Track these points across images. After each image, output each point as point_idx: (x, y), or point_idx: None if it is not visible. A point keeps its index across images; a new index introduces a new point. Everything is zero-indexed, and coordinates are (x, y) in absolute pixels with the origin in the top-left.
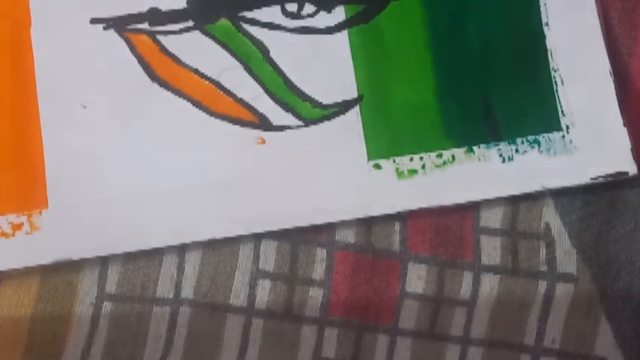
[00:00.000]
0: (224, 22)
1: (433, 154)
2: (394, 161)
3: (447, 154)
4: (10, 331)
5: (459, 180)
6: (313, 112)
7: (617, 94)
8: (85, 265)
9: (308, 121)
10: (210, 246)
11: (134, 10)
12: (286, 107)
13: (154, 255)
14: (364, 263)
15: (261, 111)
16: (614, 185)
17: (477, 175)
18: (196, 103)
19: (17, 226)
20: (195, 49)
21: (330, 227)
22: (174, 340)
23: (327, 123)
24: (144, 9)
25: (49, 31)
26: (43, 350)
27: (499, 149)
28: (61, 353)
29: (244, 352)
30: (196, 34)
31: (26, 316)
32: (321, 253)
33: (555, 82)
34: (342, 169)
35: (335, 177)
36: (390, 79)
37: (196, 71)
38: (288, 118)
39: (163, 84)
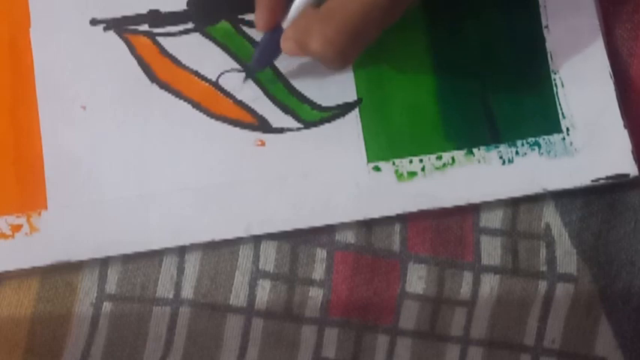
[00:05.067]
0: (224, 24)
1: (433, 157)
2: (394, 163)
3: (446, 156)
4: (9, 332)
5: (458, 182)
6: (312, 115)
7: (617, 96)
8: (85, 266)
9: (307, 124)
10: (211, 246)
11: (134, 12)
12: (285, 109)
13: (154, 255)
14: (364, 263)
15: (260, 113)
16: (614, 186)
17: (477, 177)
18: (196, 105)
19: (16, 228)
20: (195, 50)
21: (330, 228)
22: (175, 340)
23: (326, 125)
24: (144, 11)
25: (48, 32)
26: (42, 350)
27: (499, 151)
28: (61, 353)
29: (244, 352)
30: (196, 35)
31: (26, 317)
32: (321, 253)
33: (555, 84)
34: (342, 172)
35: (334, 179)
36: (389, 82)
37: (196, 73)
38: (288, 121)
39: (163, 85)
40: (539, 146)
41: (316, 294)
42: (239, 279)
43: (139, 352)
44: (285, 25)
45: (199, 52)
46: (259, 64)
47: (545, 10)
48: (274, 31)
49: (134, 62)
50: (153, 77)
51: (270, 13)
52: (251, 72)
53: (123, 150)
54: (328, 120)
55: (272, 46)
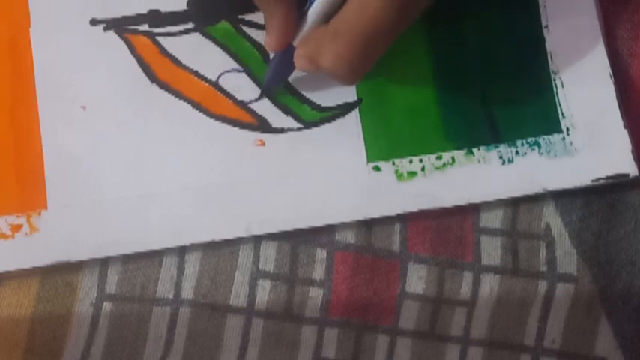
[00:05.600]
0: (224, 24)
1: (433, 157)
2: (394, 163)
3: (446, 156)
4: (9, 332)
5: (458, 182)
6: (312, 115)
7: (617, 96)
8: (85, 265)
9: (307, 124)
10: (211, 246)
11: (134, 12)
12: (285, 109)
13: (154, 255)
14: (364, 263)
15: (260, 113)
16: (614, 186)
17: (476, 177)
18: (196, 105)
19: (16, 228)
20: (195, 51)
21: (330, 228)
22: (174, 340)
23: (326, 125)
24: (144, 11)
25: (48, 32)
26: (42, 350)
27: (499, 151)
28: (61, 353)
29: (244, 352)
30: (196, 35)
31: (26, 317)
32: (321, 253)
33: (555, 84)
34: (342, 172)
35: (334, 179)
36: (389, 82)
37: (196, 73)
38: (288, 121)
39: (163, 85)
40: (539, 146)
41: (316, 294)
42: (239, 279)
43: (139, 352)
44: (296, 42)
45: (199, 52)
46: (273, 82)
47: (545, 10)
48: (286, 49)
49: (134, 62)
50: (153, 77)
51: (282, 35)
52: (265, 91)
53: (123, 150)
54: (328, 120)
55: (284, 64)
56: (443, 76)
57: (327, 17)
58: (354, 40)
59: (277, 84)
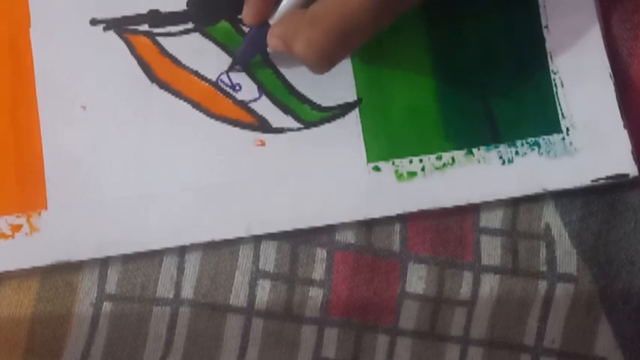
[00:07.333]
0: (224, 24)
1: (433, 157)
2: (394, 163)
3: (446, 156)
4: (9, 332)
5: (458, 182)
6: (312, 115)
7: (617, 96)
8: (85, 265)
9: (307, 124)
10: (211, 246)
11: (134, 12)
12: (285, 109)
13: (154, 255)
14: (364, 263)
15: (260, 113)
16: (614, 186)
17: (476, 177)
18: (196, 105)
19: (16, 228)
20: (195, 50)
21: (330, 227)
22: (174, 340)
23: (326, 125)
24: (144, 11)
25: (48, 32)
26: (42, 350)
27: (499, 151)
28: (61, 353)
29: (244, 352)
30: (196, 35)
31: (26, 317)
32: (321, 253)
33: (555, 84)
34: (342, 172)
35: (334, 179)
36: (389, 82)
37: (196, 73)
38: (288, 121)
39: (163, 85)
40: (539, 146)
41: (316, 294)
42: (239, 279)
43: (139, 352)
44: (272, 21)
45: (199, 52)
46: (245, 56)
47: (545, 10)
48: (261, 25)
49: (134, 62)
50: (153, 77)
51: (258, 9)
52: (235, 63)
53: (123, 150)
54: (328, 120)
55: (258, 41)
56: (443, 76)
57: (308, 2)
58: (330, 28)
59: (249, 59)
